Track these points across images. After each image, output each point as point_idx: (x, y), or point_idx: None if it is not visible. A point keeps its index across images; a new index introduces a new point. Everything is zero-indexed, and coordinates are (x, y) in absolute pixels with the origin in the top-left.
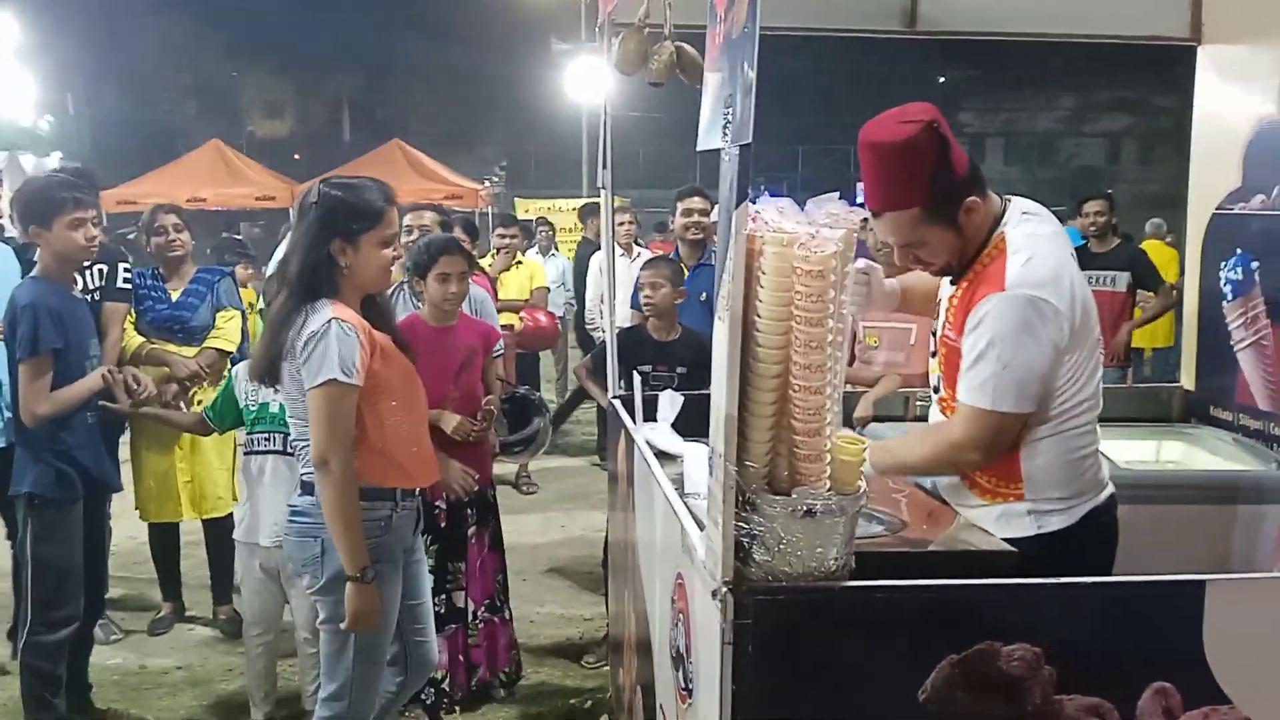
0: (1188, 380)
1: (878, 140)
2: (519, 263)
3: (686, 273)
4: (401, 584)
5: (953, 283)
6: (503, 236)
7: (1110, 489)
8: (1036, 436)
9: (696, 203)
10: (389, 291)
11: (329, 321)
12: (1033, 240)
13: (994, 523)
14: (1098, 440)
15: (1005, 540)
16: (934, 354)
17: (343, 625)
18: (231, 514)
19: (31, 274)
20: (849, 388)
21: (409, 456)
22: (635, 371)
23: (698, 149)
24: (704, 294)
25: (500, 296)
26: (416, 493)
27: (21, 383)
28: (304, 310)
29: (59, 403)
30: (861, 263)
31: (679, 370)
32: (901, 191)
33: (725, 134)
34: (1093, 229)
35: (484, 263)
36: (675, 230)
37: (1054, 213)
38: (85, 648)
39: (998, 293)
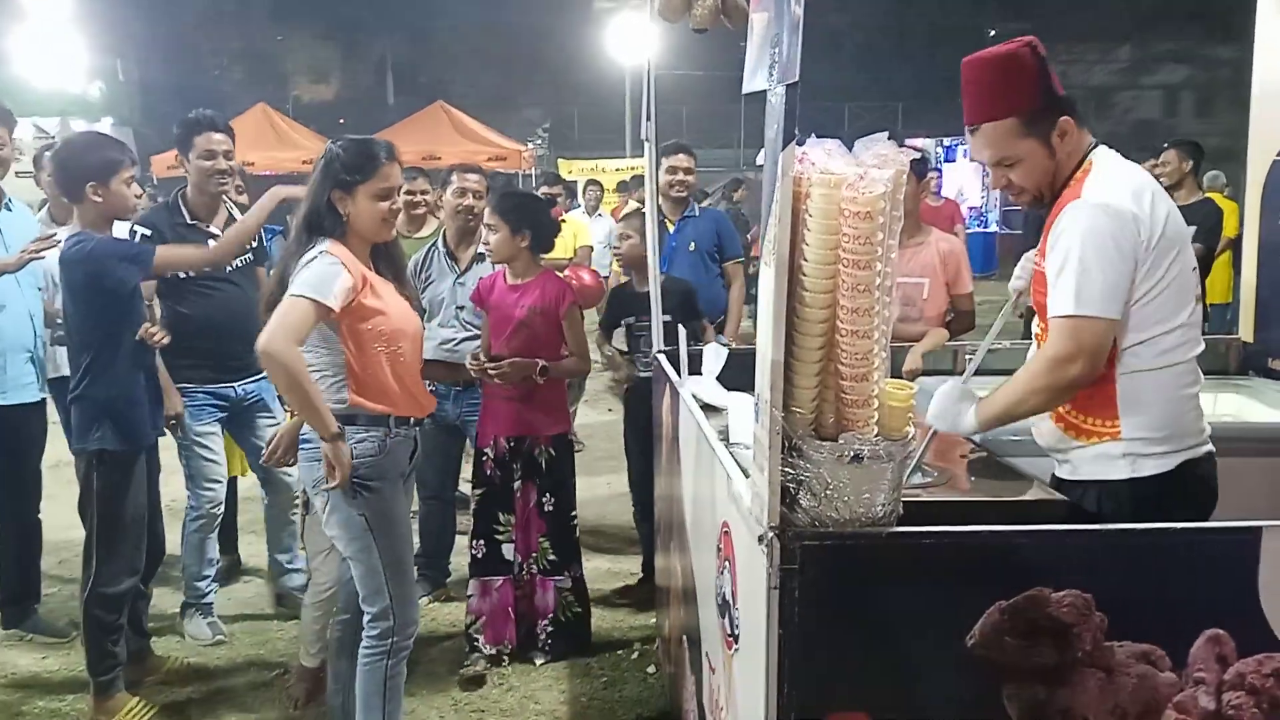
0: (1246, 332)
1: (980, 56)
2: (563, 221)
3: (671, 227)
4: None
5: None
6: (546, 195)
7: (1210, 446)
8: (1131, 368)
9: (681, 160)
10: (425, 251)
11: (320, 253)
12: (1115, 162)
13: (1089, 464)
14: (1199, 384)
15: (1098, 482)
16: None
17: (330, 483)
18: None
19: (75, 233)
20: (896, 343)
21: (397, 389)
22: (623, 324)
23: (744, 91)
24: (692, 243)
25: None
26: (411, 422)
27: (178, 258)
28: (306, 248)
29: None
30: (1029, 255)
31: (663, 319)
32: (1000, 101)
33: (772, 73)
34: (1164, 180)
35: None
36: (660, 187)
37: None
38: (144, 598)
39: (1073, 202)
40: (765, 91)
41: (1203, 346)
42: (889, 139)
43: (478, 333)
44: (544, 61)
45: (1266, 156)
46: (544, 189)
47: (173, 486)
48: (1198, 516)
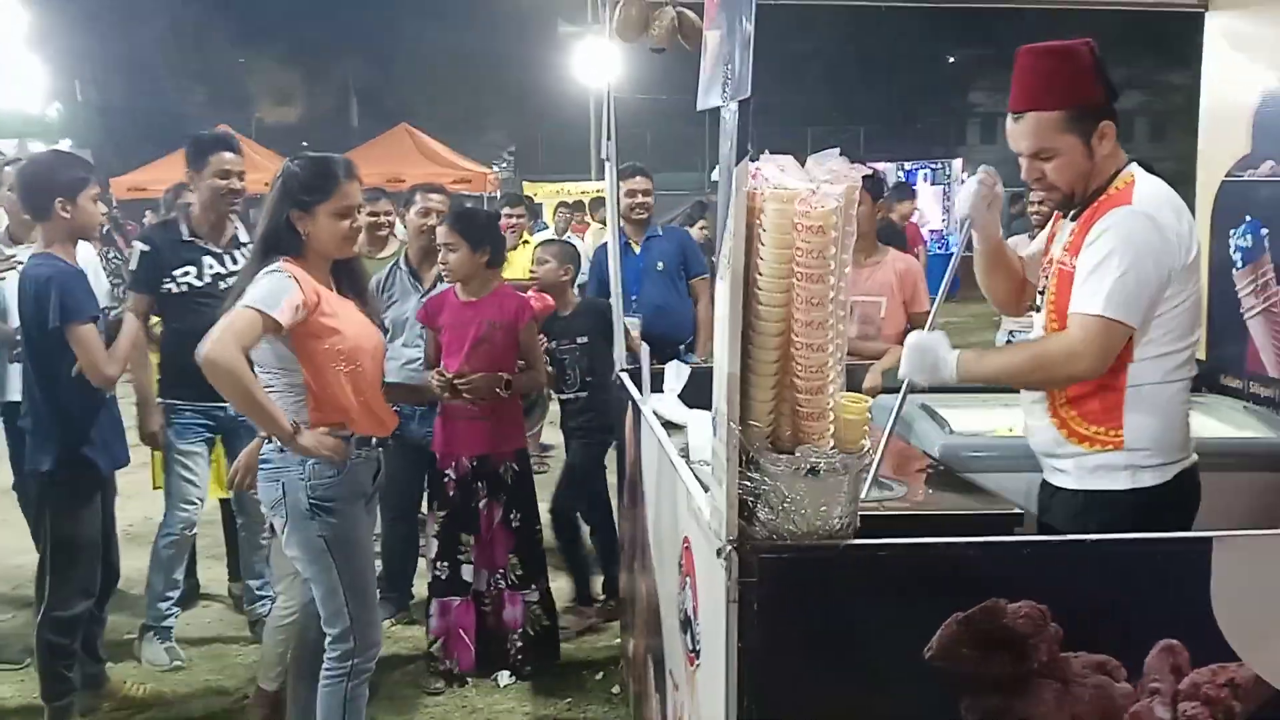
0: (1199, 350)
1: (1040, 45)
2: (526, 242)
3: (637, 248)
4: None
5: (1073, 219)
6: (508, 216)
7: (1194, 456)
8: (1141, 381)
9: (639, 183)
10: (387, 270)
11: (274, 270)
12: (1155, 180)
13: (1089, 473)
14: (1190, 402)
15: (1097, 491)
16: (1041, 290)
17: (296, 451)
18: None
19: (35, 252)
20: (855, 361)
21: (356, 407)
22: (545, 349)
23: (698, 108)
24: (659, 263)
25: (505, 276)
26: (374, 443)
27: (81, 349)
28: (263, 265)
29: (119, 355)
30: (985, 169)
31: (579, 340)
32: (1051, 91)
33: (725, 90)
34: None
35: None
36: (620, 210)
37: None
38: (99, 622)
39: (1124, 207)
40: (720, 109)
41: (1194, 367)
42: (840, 154)
43: None
44: (509, 85)
45: (1215, 179)
46: (506, 210)
47: (129, 511)
48: (1188, 522)
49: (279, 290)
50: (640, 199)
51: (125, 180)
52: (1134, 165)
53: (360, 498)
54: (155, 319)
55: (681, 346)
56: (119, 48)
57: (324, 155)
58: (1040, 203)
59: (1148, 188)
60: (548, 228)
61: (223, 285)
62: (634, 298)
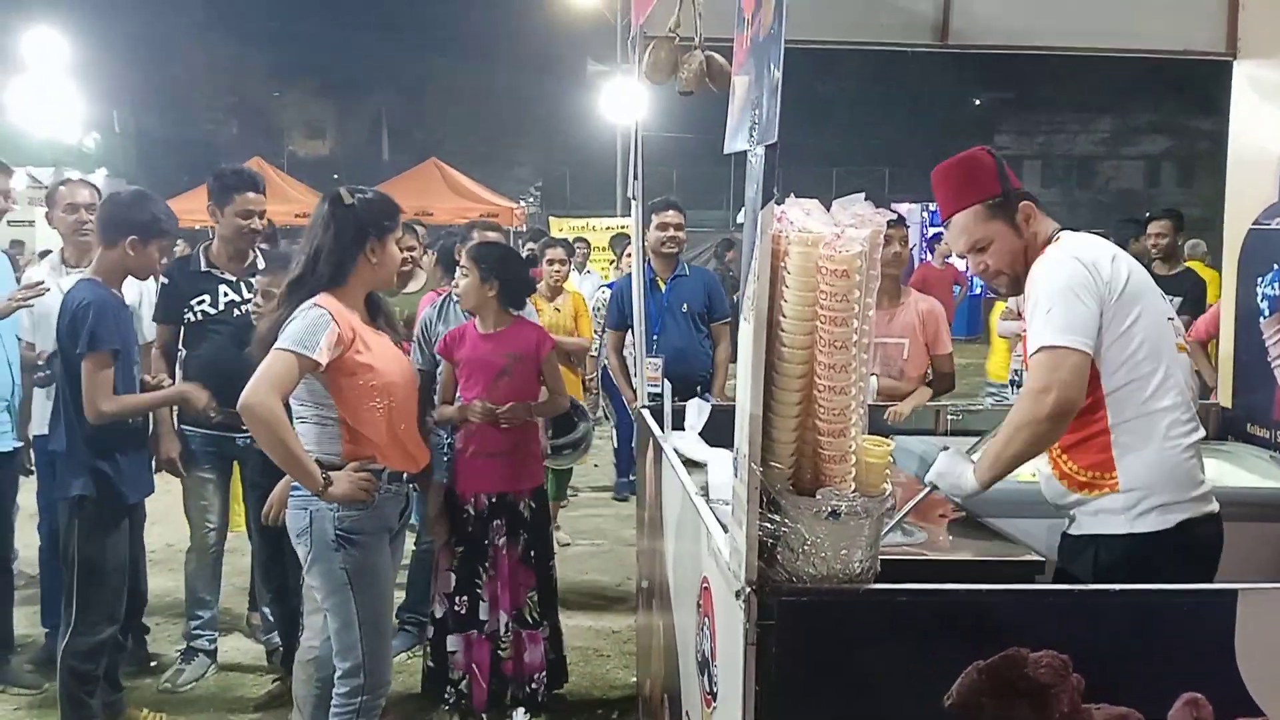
0: (1224, 398)
1: (946, 163)
2: (563, 290)
3: (663, 285)
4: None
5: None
6: (549, 263)
7: (1214, 506)
8: (1120, 417)
9: (671, 216)
10: (439, 302)
11: (309, 304)
12: (1078, 236)
13: (1091, 517)
14: (1196, 434)
15: (1099, 536)
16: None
17: (327, 500)
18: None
19: (84, 277)
20: (881, 401)
21: (387, 441)
22: None
23: (725, 151)
24: (684, 305)
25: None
26: (405, 478)
27: (86, 378)
28: (302, 299)
29: (124, 405)
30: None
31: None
32: (964, 192)
33: (752, 134)
34: (1155, 251)
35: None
36: (649, 244)
37: (1097, 234)
38: (121, 649)
39: (1039, 259)
40: (747, 152)
41: (1193, 407)
42: (865, 199)
43: None
44: (537, 121)
45: (1243, 225)
46: (529, 246)
47: (154, 536)
48: (1198, 577)
49: (316, 329)
50: (671, 232)
51: None
52: (1063, 232)
53: (386, 532)
54: None
55: (698, 388)
56: (157, 79)
57: (372, 189)
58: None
59: (1065, 241)
60: (591, 272)
61: (237, 313)
62: (655, 336)
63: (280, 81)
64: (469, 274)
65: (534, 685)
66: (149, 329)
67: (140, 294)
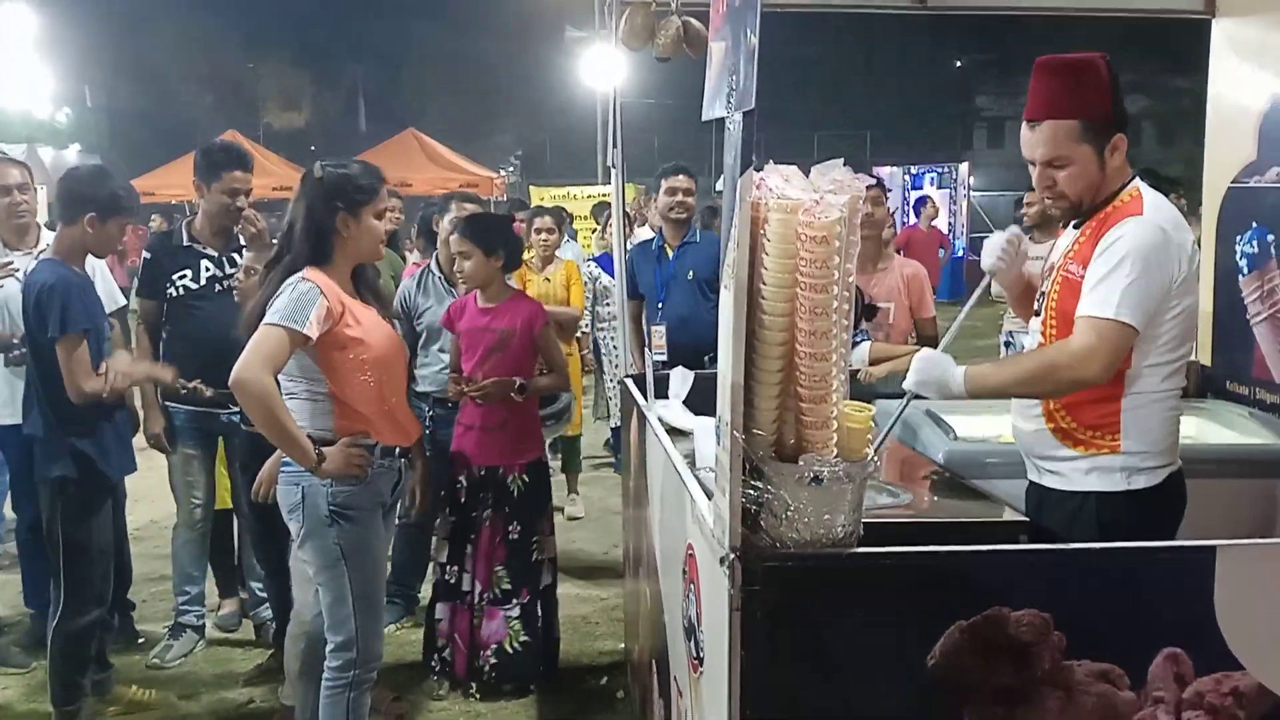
0: (1203, 356)
1: (1059, 56)
2: (554, 258)
3: (671, 253)
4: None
5: (1076, 226)
6: (537, 232)
7: (1179, 461)
8: (1139, 390)
9: (681, 181)
10: (419, 273)
11: (297, 279)
12: (1161, 197)
13: (1084, 475)
14: (1181, 408)
15: (1092, 494)
16: (1041, 294)
17: (320, 476)
18: (230, 509)
19: (45, 257)
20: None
21: (378, 415)
22: None
23: (703, 118)
24: (690, 272)
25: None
26: (397, 452)
27: (64, 361)
28: (289, 273)
29: (104, 382)
30: (1013, 229)
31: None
32: (1068, 100)
33: (729, 101)
34: None
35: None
36: (659, 209)
37: None
38: (109, 628)
39: (1137, 217)
40: (724, 119)
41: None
42: (844, 165)
43: None
44: (515, 89)
45: (1222, 183)
46: (536, 225)
47: (139, 513)
48: (1178, 523)
49: (306, 303)
50: (681, 197)
51: (135, 184)
52: (1139, 180)
53: (379, 507)
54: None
55: (706, 358)
56: (129, 53)
57: (359, 160)
58: (1030, 205)
59: (1157, 202)
60: (572, 241)
61: (219, 288)
62: (660, 304)
63: (255, 53)
64: (471, 255)
65: (479, 662)
66: (109, 301)
67: (93, 270)
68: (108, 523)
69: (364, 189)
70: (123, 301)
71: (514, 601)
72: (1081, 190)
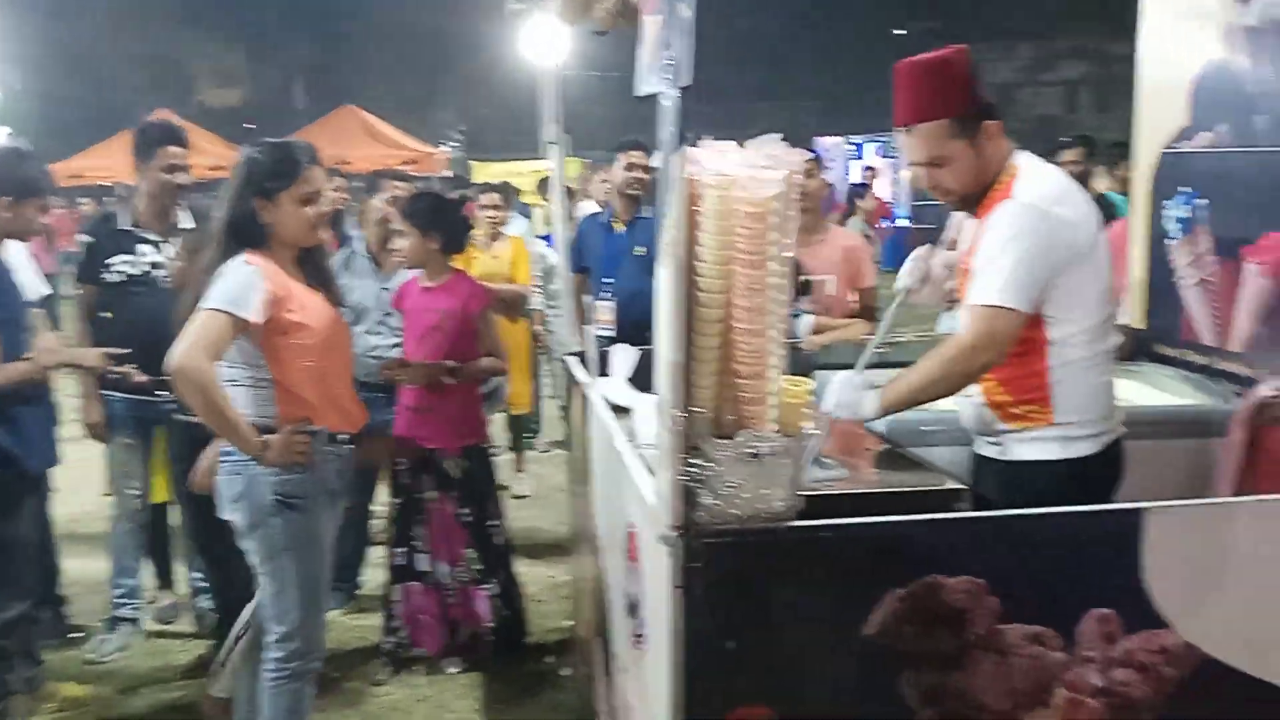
0: (1136, 319)
1: (917, 60)
2: (500, 236)
3: (621, 228)
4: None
5: (974, 216)
6: (483, 208)
7: (1123, 428)
8: (1063, 359)
9: (638, 156)
10: (343, 257)
11: (238, 263)
12: (1039, 166)
13: (1023, 445)
14: (1113, 371)
15: (1030, 462)
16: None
17: (264, 464)
18: (167, 502)
19: None
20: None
21: (323, 401)
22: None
23: (635, 93)
24: (643, 248)
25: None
26: (341, 439)
27: None
28: (226, 259)
29: (7, 374)
30: (922, 248)
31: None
32: (933, 102)
33: (664, 76)
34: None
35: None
36: (615, 184)
37: None
38: (35, 623)
39: (1005, 201)
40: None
41: (1119, 336)
42: (781, 139)
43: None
44: (457, 63)
45: (1154, 149)
46: (482, 200)
47: (72, 505)
48: (1115, 488)
49: (246, 287)
50: (639, 173)
51: (65, 167)
52: (1019, 156)
53: (326, 495)
54: None
55: (651, 334)
56: (57, 33)
57: (285, 140)
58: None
59: (1030, 179)
60: (518, 216)
61: (158, 274)
62: (609, 279)
63: (188, 30)
64: (409, 235)
65: (480, 638)
66: (31, 291)
67: (13, 258)
68: (31, 516)
69: (280, 174)
70: (46, 290)
71: (493, 581)
72: (966, 183)
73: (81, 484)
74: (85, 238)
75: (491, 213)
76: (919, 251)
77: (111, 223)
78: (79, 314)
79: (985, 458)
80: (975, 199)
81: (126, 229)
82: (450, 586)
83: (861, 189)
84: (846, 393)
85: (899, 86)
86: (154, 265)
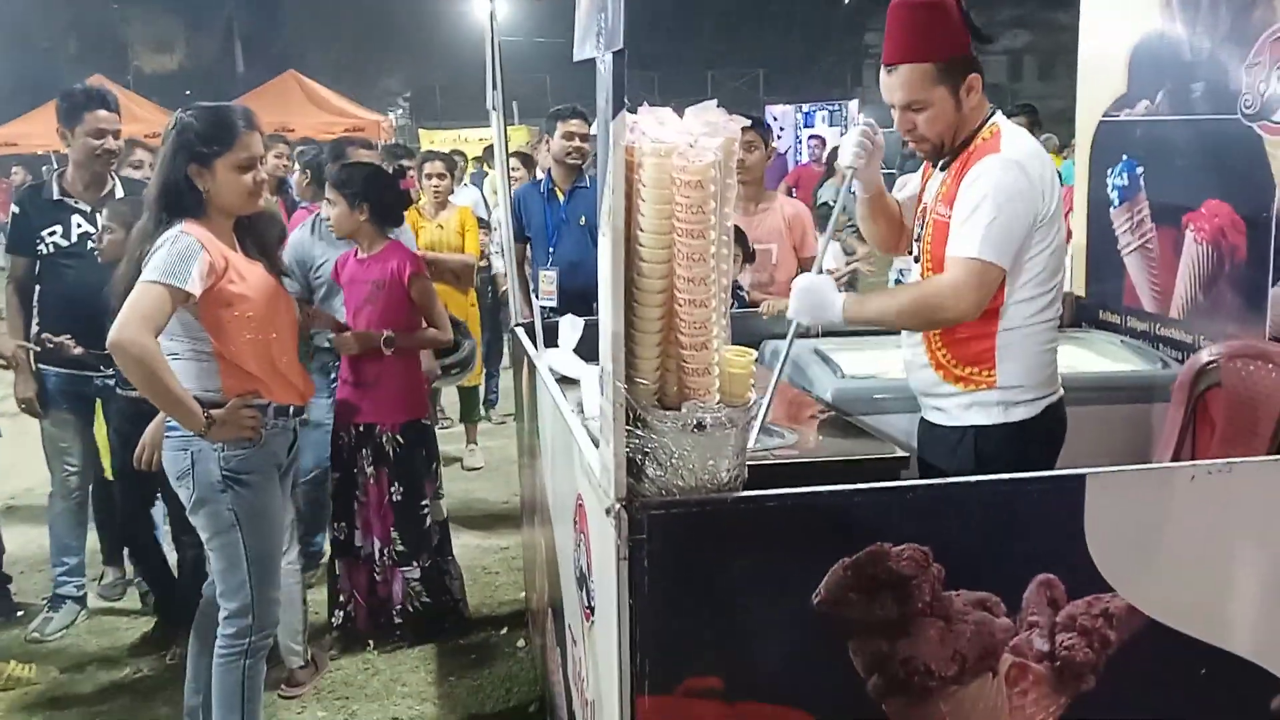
0: (1077, 286)
1: (908, 2)
2: (445, 205)
3: (561, 197)
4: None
5: (942, 169)
6: (428, 177)
7: (1061, 390)
8: (1011, 325)
9: (576, 125)
10: (310, 220)
11: (177, 233)
12: (1019, 130)
13: (964, 410)
14: (1057, 338)
15: (974, 427)
16: (917, 238)
17: (211, 440)
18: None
19: None
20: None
21: (268, 374)
22: None
23: (574, 59)
24: (583, 217)
25: (424, 247)
26: (290, 411)
27: None
28: (162, 228)
29: None
30: (866, 122)
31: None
32: (922, 43)
33: (599, 41)
34: None
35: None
36: (553, 152)
37: None
38: None
39: (994, 155)
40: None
41: (1061, 309)
42: (717, 105)
43: None
44: (402, 28)
45: (1094, 117)
46: (426, 170)
47: (11, 483)
48: (1057, 450)
49: (186, 257)
50: (577, 143)
51: None
52: (999, 115)
53: (275, 469)
54: None
55: (595, 304)
56: None
57: (220, 104)
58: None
59: (1013, 138)
60: (468, 185)
61: (91, 245)
62: (551, 249)
63: None
64: (336, 204)
65: (382, 620)
66: None
67: None
68: None
69: (215, 139)
70: None
71: (414, 564)
72: (941, 131)
73: (22, 461)
74: (14, 208)
75: (436, 182)
76: (863, 126)
77: (42, 193)
78: (9, 286)
79: (929, 423)
80: (947, 151)
81: (57, 199)
82: (378, 565)
83: (836, 152)
84: (810, 295)
85: (891, 23)
86: (85, 236)
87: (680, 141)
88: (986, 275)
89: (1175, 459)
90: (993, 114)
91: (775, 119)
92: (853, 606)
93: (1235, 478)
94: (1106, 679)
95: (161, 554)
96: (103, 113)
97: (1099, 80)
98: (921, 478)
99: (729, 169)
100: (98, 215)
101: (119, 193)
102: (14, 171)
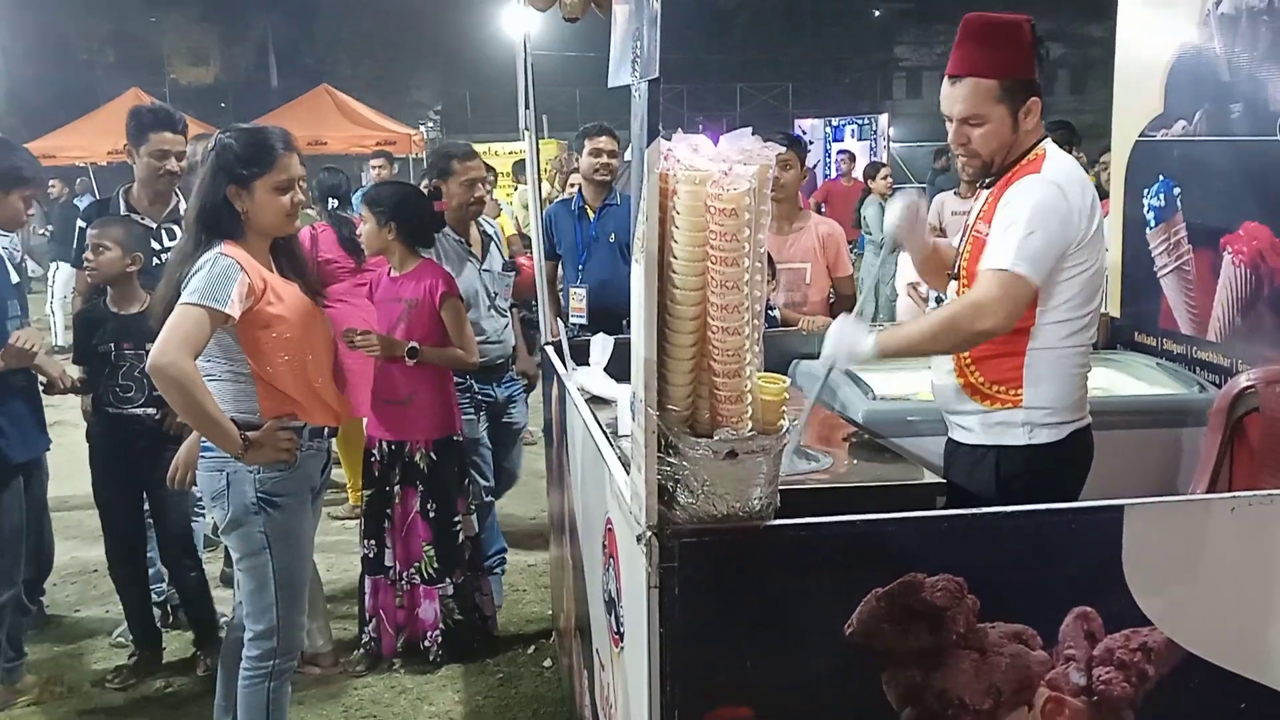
0: (1113, 308)
1: (988, 16)
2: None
3: (592, 215)
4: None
5: (988, 187)
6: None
7: (1089, 418)
8: (1042, 345)
9: (604, 142)
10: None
11: (215, 255)
12: (1065, 156)
13: (988, 429)
14: (1089, 366)
15: (997, 447)
16: (958, 254)
17: (247, 462)
18: None
19: None
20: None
21: (305, 395)
22: (96, 352)
23: (609, 85)
24: (612, 235)
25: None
26: (326, 433)
27: None
28: (201, 249)
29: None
30: (911, 197)
31: (148, 348)
32: (990, 60)
33: (634, 69)
34: None
35: None
36: (581, 170)
37: None
38: (28, 613)
39: (1033, 175)
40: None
41: (1095, 335)
42: (752, 133)
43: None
44: (434, 42)
45: (1130, 136)
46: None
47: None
48: (1081, 478)
49: (225, 279)
50: (605, 159)
51: (35, 147)
52: (1048, 141)
53: (308, 491)
54: None
55: (625, 321)
56: (24, 12)
57: (260, 125)
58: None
59: (1057, 162)
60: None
61: (156, 262)
62: (580, 267)
63: (158, 7)
64: (366, 221)
65: (427, 643)
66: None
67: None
68: (16, 503)
69: (255, 160)
70: (16, 279)
71: (448, 581)
72: (994, 149)
73: (58, 470)
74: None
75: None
76: (906, 201)
77: (109, 208)
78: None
79: (955, 442)
80: (994, 171)
81: (125, 215)
82: (401, 585)
83: (876, 168)
84: (845, 335)
85: (962, 36)
86: (151, 253)
87: (715, 169)
88: (1017, 288)
89: (1212, 485)
90: (1043, 139)
91: (804, 133)
92: (886, 637)
93: (1278, 508)
94: (1145, 715)
95: (147, 589)
96: (168, 134)
97: (1135, 100)
98: (950, 498)
99: (763, 196)
100: (163, 232)
101: (183, 209)
102: (51, 184)
